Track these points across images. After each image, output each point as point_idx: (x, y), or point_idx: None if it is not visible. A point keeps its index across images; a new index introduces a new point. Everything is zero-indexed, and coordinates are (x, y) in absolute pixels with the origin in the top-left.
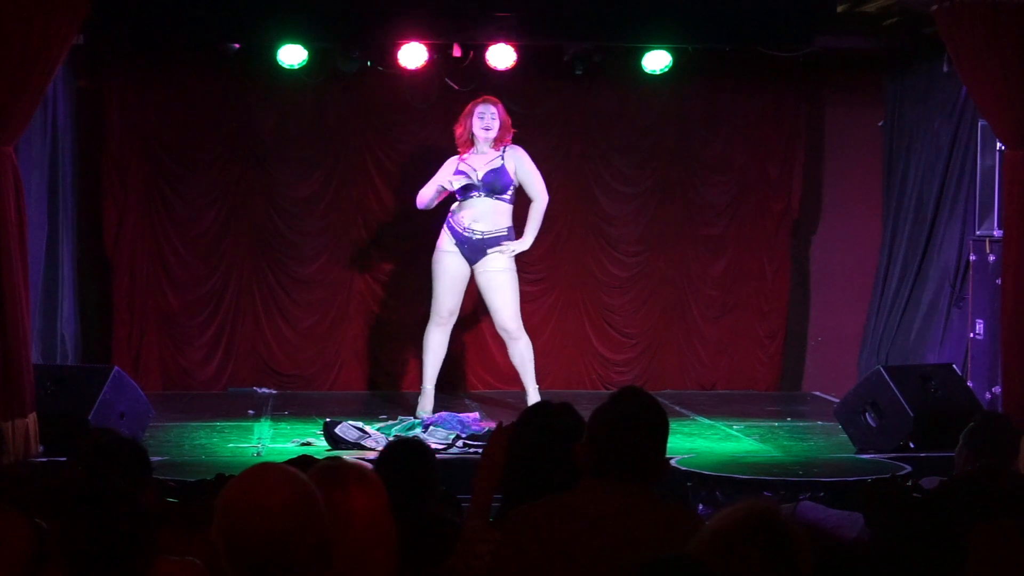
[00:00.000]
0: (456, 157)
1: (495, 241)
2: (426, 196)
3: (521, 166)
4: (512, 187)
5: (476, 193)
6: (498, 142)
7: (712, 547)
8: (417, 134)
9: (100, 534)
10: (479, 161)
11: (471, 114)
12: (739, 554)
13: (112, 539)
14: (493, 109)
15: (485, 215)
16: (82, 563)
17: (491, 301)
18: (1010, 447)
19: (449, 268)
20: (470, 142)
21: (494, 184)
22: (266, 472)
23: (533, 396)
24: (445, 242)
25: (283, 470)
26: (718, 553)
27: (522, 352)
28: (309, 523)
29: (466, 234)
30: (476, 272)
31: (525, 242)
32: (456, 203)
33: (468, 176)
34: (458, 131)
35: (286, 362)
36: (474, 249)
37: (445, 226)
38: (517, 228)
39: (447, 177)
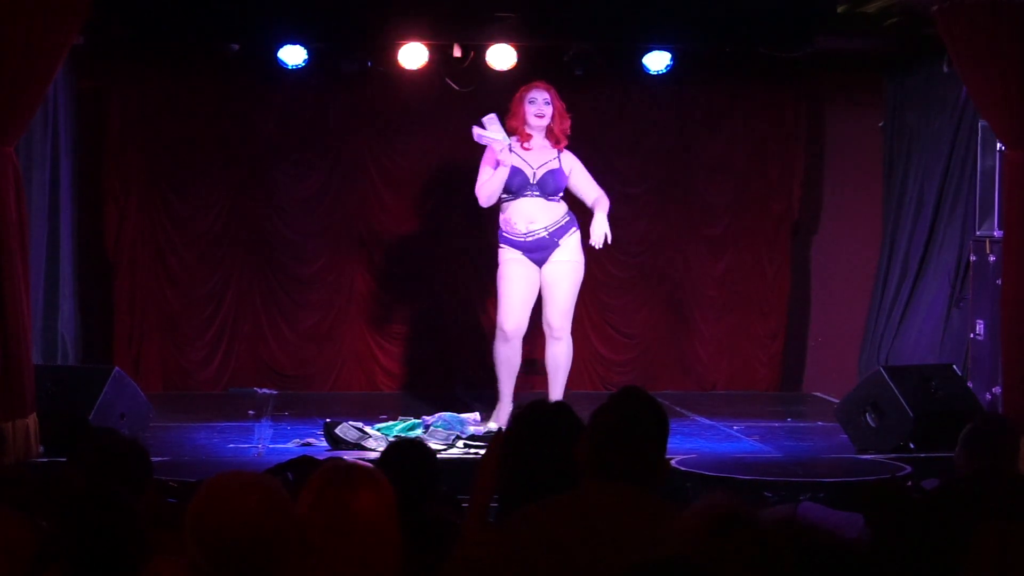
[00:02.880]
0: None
1: (563, 231)
2: (488, 192)
3: (577, 169)
4: (563, 189)
5: (529, 192)
6: (560, 134)
7: (686, 546)
8: (417, 134)
9: (92, 537)
10: (536, 158)
11: (522, 101)
12: (716, 556)
13: (104, 542)
14: (546, 95)
15: (541, 213)
16: (76, 564)
17: (545, 293)
18: (1009, 448)
19: (516, 276)
20: (525, 133)
21: (549, 186)
22: (230, 479)
23: None
24: (509, 253)
25: (247, 475)
26: (693, 551)
27: (558, 355)
28: (279, 523)
29: (530, 239)
30: (544, 268)
31: (604, 224)
32: (505, 206)
33: (496, 126)
34: (512, 122)
35: (286, 362)
36: (543, 247)
37: (502, 244)
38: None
39: (493, 140)
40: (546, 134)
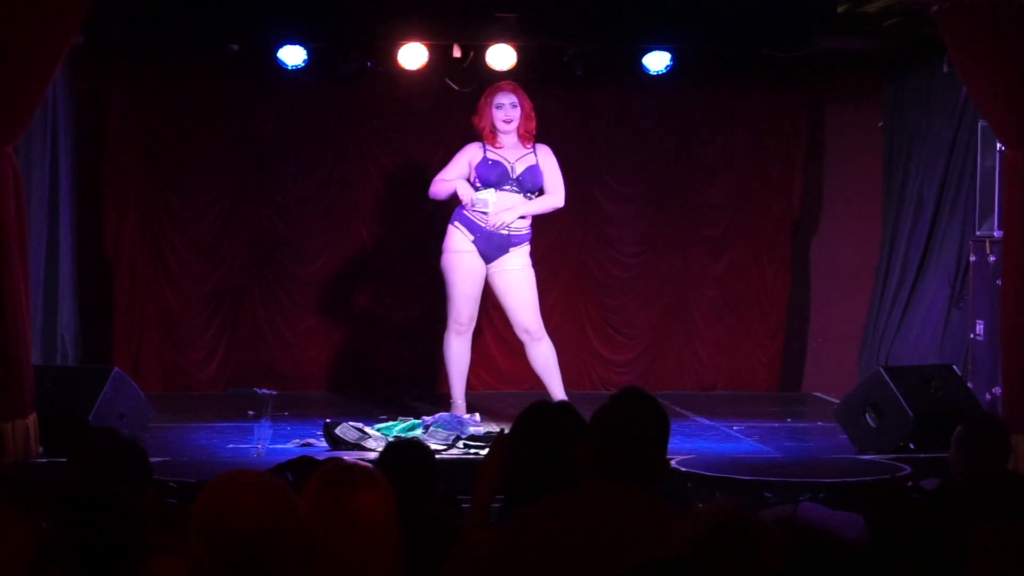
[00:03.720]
0: (478, 144)
1: (521, 239)
2: (440, 193)
3: (548, 164)
4: (540, 188)
5: (508, 187)
6: (525, 135)
7: (687, 551)
8: (417, 134)
9: (92, 537)
10: (511, 154)
11: (490, 104)
12: (710, 561)
13: (103, 542)
14: (513, 97)
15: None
16: (76, 565)
17: (511, 301)
18: (1002, 448)
19: (466, 270)
20: (493, 133)
21: (528, 183)
22: (236, 477)
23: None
24: (458, 241)
25: (252, 473)
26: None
27: (545, 354)
28: (284, 522)
29: (490, 228)
30: (492, 272)
31: (518, 210)
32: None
33: (487, 204)
34: (478, 123)
35: (286, 362)
36: (494, 245)
37: (457, 222)
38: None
39: (470, 194)
40: (518, 136)
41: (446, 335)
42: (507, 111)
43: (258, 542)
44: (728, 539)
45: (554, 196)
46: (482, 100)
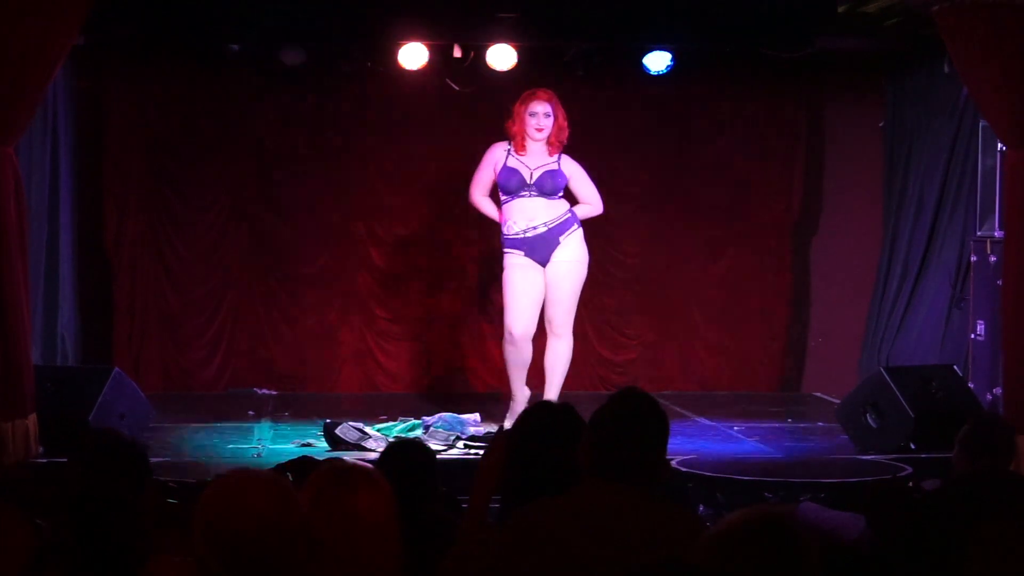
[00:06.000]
0: (504, 145)
1: (563, 228)
2: (482, 212)
3: (577, 174)
4: (563, 188)
5: (527, 192)
6: (555, 144)
7: (716, 551)
8: (417, 134)
9: (92, 537)
10: (532, 160)
11: (524, 112)
12: (744, 559)
13: (104, 542)
14: (548, 107)
15: (540, 211)
16: (76, 564)
17: (550, 293)
18: (1005, 447)
19: (519, 283)
20: (523, 140)
21: (547, 186)
22: (239, 475)
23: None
24: (512, 257)
25: (255, 472)
26: (722, 557)
27: (558, 354)
28: (286, 522)
29: (529, 235)
30: (547, 269)
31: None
32: (505, 207)
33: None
34: (511, 128)
35: (286, 363)
36: (544, 244)
37: (507, 248)
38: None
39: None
40: (546, 146)
41: (503, 344)
42: (540, 120)
43: (260, 541)
44: (766, 539)
45: (592, 206)
46: (517, 105)
